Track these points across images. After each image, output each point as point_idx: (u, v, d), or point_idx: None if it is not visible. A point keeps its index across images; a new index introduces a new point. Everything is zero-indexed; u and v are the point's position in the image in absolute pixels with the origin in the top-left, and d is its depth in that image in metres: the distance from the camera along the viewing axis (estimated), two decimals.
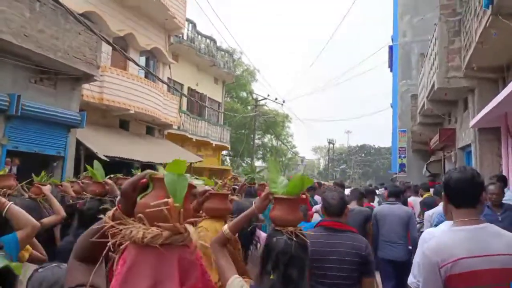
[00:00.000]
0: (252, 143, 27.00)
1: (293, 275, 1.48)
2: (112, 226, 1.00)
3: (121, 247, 0.96)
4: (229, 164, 35.77)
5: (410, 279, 2.56)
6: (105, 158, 9.86)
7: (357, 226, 4.74)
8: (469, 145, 9.03)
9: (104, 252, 1.00)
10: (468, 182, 1.81)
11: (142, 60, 14.88)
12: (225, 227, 1.78)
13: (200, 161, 15.92)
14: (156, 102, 14.00)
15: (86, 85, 10.83)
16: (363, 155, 71.91)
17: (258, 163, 46.96)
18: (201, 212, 2.30)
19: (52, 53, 8.51)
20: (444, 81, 8.20)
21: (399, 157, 19.54)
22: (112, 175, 5.66)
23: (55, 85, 9.35)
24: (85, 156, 10.12)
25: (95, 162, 2.98)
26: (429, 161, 12.81)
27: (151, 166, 13.77)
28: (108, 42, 8.51)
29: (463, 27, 7.74)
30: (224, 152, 33.78)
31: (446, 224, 2.44)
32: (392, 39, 23.94)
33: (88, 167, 3.00)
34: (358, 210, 4.98)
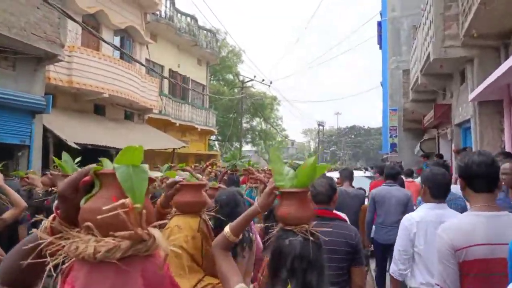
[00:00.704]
0: (240, 126, 26.21)
1: (313, 281, 1.30)
2: (51, 243, 0.82)
3: (64, 266, 0.80)
4: (217, 149, 35.07)
5: (393, 268, 2.58)
6: (75, 146, 9.05)
7: (355, 210, 4.61)
8: (467, 121, 8.44)
9: (44, 275, 0.81)
10: (489, 165, 1.77)
11: (116, 40, 13.90)
12: (227, 229, 1.53)
13: (184, 146, 15.17)
14: (133, 85, 13.11)
15: (52, 67, 9.91)
16: (353, 136, 71.78)
17: (247, 147, 46.32)
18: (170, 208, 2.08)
19: (5, 30, 7.58)
20: (441, 51, 7.53)
21: (390, 136, 19.04)
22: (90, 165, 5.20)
23: (14, 66, 8.43)
24: (54, 144, 9.29)
25: (64, 153, 2.58)
26: (422, 140, 12.27)
27: None
28: (68, 16, 7.60)
29: None
30: (213, 138, 33.05)
31: (425, 207, 2.46)
32: (380, 14, 23.12)
33: (55, 159, 2.65)
34: (355, 193, 4.82)
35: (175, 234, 2.04)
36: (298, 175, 1.36)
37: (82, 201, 0.85)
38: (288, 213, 1.34)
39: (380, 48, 23.88)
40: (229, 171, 5.51)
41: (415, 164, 17.40)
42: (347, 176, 5.09)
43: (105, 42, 10.93)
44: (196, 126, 19.08)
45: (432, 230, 2.28)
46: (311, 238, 1.31)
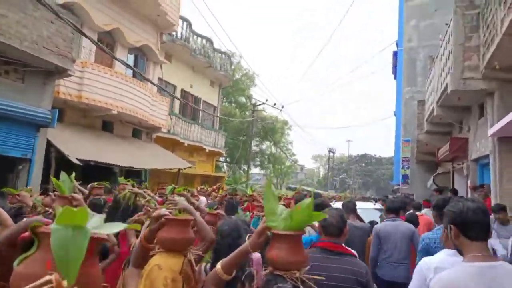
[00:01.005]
0: (249, 149, 25.97)
1: None
2: None
3: None
4: (225, 171, 34.77)
5: None
6: (77, 162, 8.85)
7: (361, 244, 4.42)
8: (485, 157, 8.01)
9: None
10: (484, 213, 1.74)
11: (130, 58, 13.96)
12: (218, 265, 1.45)
13: (190, 167, 14.92)
14: (143, 103, 13.03)
15: (62, 81, 9.89)
16: (363, 164, 70.96)
17: (255, 170, 46.02)
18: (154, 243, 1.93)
19: (17, 42, 7.55)
20: (459, 83, 7.22)
21: (402, 167, 18.52)
22: (91, 183, 4.98)
23: (23, 79, 8.38)
24: (56, 159, 9.12)
25: (62, 173, 2.63)
26: (436, 173, 11.81)
27: (134, 171, 12.78)
28: (80, 32, 7.57)
29: (482, 21, 6.77)
30: (221, 159, 32.86)
31: (445, 252, 2.27)
32: (397, 44, 23.04)
33: (54, 179, 2.62)
34: (361, 226, 4.62)
35: (154, 275, 1.85)
36: (293, 217, 1.28)
37: (16, 261, 0.77)
38: (279, 256, 1.26)
39: (395, 78, 23.69)
40: (228, 195, 5.32)
41: (429, 197, 16.85)
42: (351, 208, 4.79)
43: (116, 60, 10.95)
44: (204, 147, 18.89)
45: None
46: (301, 287, 1.24)
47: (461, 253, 1.76)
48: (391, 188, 42.72)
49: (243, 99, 31.30)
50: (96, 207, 4.30)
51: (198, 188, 12.44)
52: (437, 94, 9.24)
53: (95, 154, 10.03)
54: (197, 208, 3.44)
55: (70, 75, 9.02)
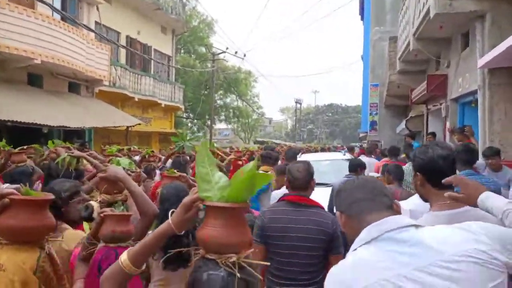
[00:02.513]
0: (211, 102, 24.35)
1: None
2: None
3: None
4: (188, 127, 33.12)
5: None
6: None
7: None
8: (467, 94, 7.04)
9: None
10: (450, 159, 1.70)
11: None
12: (124, 256, 1.10)
13: (139, 124, 13.31)
14: (76, 51, 11.06)
15: None
16: (330, 114, 71.08)
17: (220, 125, 44.60)
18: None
19: None
20: (445, 5, 5.97)
21: (370, 114, 17.75)
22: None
23: None
24: None
25: None
26: (409, 117, 10.93)
27: (74, 132, 11.09)
28: None
29: None
30: (185, 115, 31.04)
31: (418, 197, 1.96)
32: None
33: None
34: None
35: None
36: (232, 185, 1.01)
37: None
38: (212, 236, 0.99)
39: (362, 18, 22.29)
40: (176, 153, 5.04)
41: (396, 143, 16.28)
42: (292, 157, 4.90)
43: None
44: (159, 101, 17.14)
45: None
46: (238, 274, 0.96)
47: (426, 201, 1.76)
48: (358, 136, 42.83)
49: (203, 50, 29.03)
50: (24, 176, 3.71)
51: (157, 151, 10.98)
52: (414, 25, 8.02)
53: (13, 113, 8.26)
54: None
55: None
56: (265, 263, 1.18)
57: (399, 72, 10.75)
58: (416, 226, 1.11)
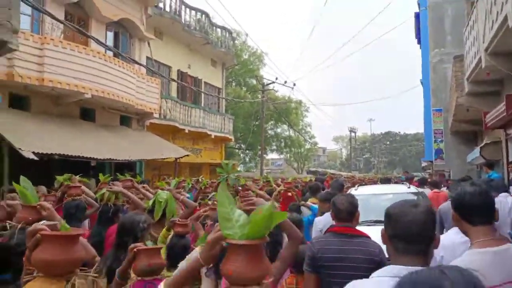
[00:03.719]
0: (261, 132, 23.99)
1: None
2: None
3: None
4: (241, 158, 32.99)
5: None
6: (32, 156, 7.13)
7: None
8: None
9: None
10: (485, 196, 1.74)
11: (109, 36, 12.13)
12: (161, 285, 1.28)
13: (187, 155, 13.10)
14: (127, 85, 11.24)
15: (15, 61, 8.17)
16: (388, 143, 67.94)
17: (272, 155, 44.08)
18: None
19: None
20: None
21: (435, 141, 16.15)
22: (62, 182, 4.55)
23: None
24: (8, 154, 7.43)
25: (22, 178, 2.27)
26: (483, 143, 9.55)
27: (126, 165, 11.08)
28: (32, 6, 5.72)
29: None
30: (236, 146, 31.02)
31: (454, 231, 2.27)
32: (418, 4, 20.33)
33: (15, 185, 2.30)
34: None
35: None
36: (252, 223, 1.09)
37: None
38: (236, 271, 1.08)
39: (419, 42, 21.03)
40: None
41: (466, 173, 14.57)
42: (338, 188, 5.17)
43: (84, 34, 9.16)
44: (209, 132, 17.03)
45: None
46: None
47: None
48: (420, 165, 40.01)
49: (253, 82, 29.16)
50: (78, 211, 3.90)
51: (197, 180, 10.65)
52: (486, 39, 6.98)
53: (63, 147, 8.31)
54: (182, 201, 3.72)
55: (12, 50, 7.22)
56: None
57: (468, 94, 9.50)
58: None
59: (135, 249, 1.84)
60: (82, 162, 9.10)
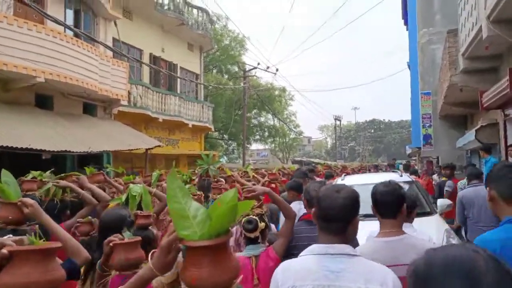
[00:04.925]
0: (243, 121, 23.01)
1: None
2: None
3: None
4: (223, 149, 31.97)
5: None
6: None
7: None
8: None
9: None
10: (390, 194, 2.07)
11: (69, 14, 10.87)
12: None
13: (159, 146, 12.04)
14: (88, 69, 10.07)
15: None
16: (372, 131, 67.87)
17: (255, 146, 43.20)
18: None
19: None
20: None
21: (423, 126, 15.44)
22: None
23: None
24: None
25: (4, 172, 2.11)
26: (479, 126, 8.80)
27: (91, 157, 9.98)
28: None
29: None
30: (219, 136, 29.96)
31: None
32: None
33: None
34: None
35: None
36: (213, 219, 0.93)
37: None
38: (199, 278, 0.92)
39: (406, 23, 20.25)
40: (201, 177, 5.14)
41: (456, 160, 13.95)
42: (301, 176, 5.32)
43: (35, 9, 7.98)
44: (186, 122, 15.94)
45: None
46: None
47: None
48: (405, 152, 39.69)
49: (235, 68, 28.01)
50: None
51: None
52: (488, 5, 6.12)
53: (7, 138, 7.19)
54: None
55: None
56: None
57: (463, 72, 8.69)
58: None
59: (110, 243, 1.77)
60: (33, 155, 8.00)
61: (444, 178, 8.51)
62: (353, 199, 1.62)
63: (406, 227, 2.57)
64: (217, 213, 0.92)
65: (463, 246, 0.83)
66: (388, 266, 1.74)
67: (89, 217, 3.14)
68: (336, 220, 1.57)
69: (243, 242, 2.55)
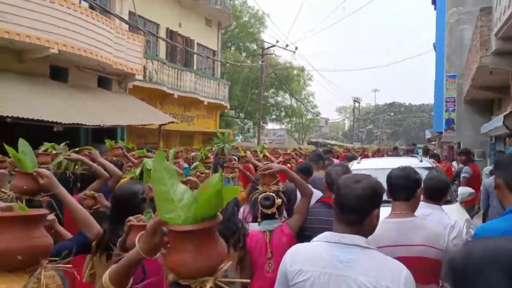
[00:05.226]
0: (259, 100, 22.66)
1: None
2: None
3: None
4: (239, 127, 31.79)
5: None
6: None
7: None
8: None
9: None
10: (405, 178, 2.12)
11: None
12: (105, 278, 1.13)
13: (173, 122, 11.90)
14: (104, 42, 9.90)
15: None
16: (392, 114, 66.40)
17: (271, 126, 42.88)
18: None
19: None
20: None
21: (446, 110, 14.84)
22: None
23: None
24: None
25: (21, 141, 2.10)
26: (508, 111, 8.29)
27: (105, 131, 9.93)
28: None
29: None
30: (235, 114, 29.71)
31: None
32: None
33: (9, 148, 2.11)
34: (320, 177, 4.02)
35: None
36: (198, 203, 0.91)
37: None
38: (182, 263, 0.90)
39: (434, 2, 19.28)
40: (215, 155, 5.20)
41: (479, 146, 13.40)
42: (315, 159, 5.15)
43: None
44: (202, 99, 15.75)
45: None
46: None
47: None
48: (424, 136, 38.69)
49: (254, 46, 27.43)
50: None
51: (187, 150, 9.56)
52: None
53: (19, 109, 7.14)
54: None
55: None
56: (246, 280, 1.67)
57: (495, 53, 8.14)
58: None
59: (128, 223, 1.75)
60: (47, 127, 7.97)
61: (461, 165, 8.16)
62: (373, 191, 1.55)
63: (435, 209, 2.68)
64: (203, 197, 0.89)
65: (502, 238, 0.84)
66: (399, 246, 1.95)
67: (92, 191, 3.13)
68: (352, 211, 1.53)
69: (251, 221, 2.66)
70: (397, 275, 1.43)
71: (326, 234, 1.58)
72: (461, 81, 13.95)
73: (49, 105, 8.25)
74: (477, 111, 13.88)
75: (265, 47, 22.22)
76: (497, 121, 9.32)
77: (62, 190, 2.02)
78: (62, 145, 4.25)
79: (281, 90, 29.41)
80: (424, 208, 2.57)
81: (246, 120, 31.97)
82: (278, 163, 6.08)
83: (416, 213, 2.26)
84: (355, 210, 1.53)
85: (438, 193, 2.79)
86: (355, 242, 1.50)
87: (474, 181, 7.18)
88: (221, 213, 2.45)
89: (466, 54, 12.63)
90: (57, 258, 1.28)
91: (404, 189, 2.10)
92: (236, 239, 2.27)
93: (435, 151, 19.94)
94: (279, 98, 31.16)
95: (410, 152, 16.70)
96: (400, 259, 1.61)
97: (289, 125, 36.43)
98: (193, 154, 7.57)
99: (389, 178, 2.16)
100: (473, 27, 10.66)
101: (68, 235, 2.16)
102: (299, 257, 1.56)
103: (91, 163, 3.35)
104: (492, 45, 8.19)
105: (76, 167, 3.80)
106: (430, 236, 2.01)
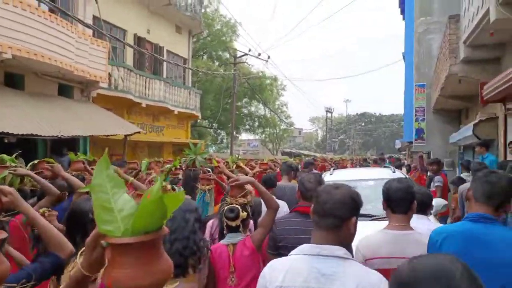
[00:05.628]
0: (232, 109, 22.35)
1: None
2: None
3: None
4: (212, 138, 31.30)
5: None
6: None
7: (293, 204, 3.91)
8: None
9: None
10: (405, 191, 2.17)
11: None
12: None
13: (139, 132, 11.35)
14: (64, 47, 9.31)
15: None
16: (363, 124, 67.71)
17: (245, 136, 42.60)
18: None
19: None
20: None
21: (416, 120, 15.00)
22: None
23: None
24: None
25: None
26: (477, 120, 8.31)
27: (65, 142, 9.28)
28: None
29: None
30: (207, 124, 29.24)
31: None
32: None
33: None
34: (291, 187, 4.61)
35: None
36: (137, 213, 0.82)
37: None
38: (117, 280, 0.82)
39: (402, 12, 19.70)
40: (188, 167, 4.93)
41: (448, 155, 13.58)
42: (286, 171, 5.24)
43: None
44: (172, 108, 15.24)
45: None
46: None
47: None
48: (394, 146, 39.46)
49: (226, 55, 27.18)
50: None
51: (160, 161, 9.01)
52: None
53: None
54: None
55: None
56: None
57: (464, 61, 8.18)
58: None
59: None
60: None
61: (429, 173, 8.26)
62: (352, 197, 1.59)
63: (422, 218, 2.76)
64: (143, 206, 0.81)
65: (444, 256, 0.91)
66: (395, 258, 1.97)
67: (45, 208, 2.87)
68: (330, 215, 1.54)
69: (218, 236, 2.63)
70: (378, 285, 1.45)
71: (304, 247, 1.55)
72: (429, 90, 14.16)
73: (0, 114, 7.60)
74: (446, 120, 14.09)
75: (238, 55, 21.97)
76: (466, 131, 9.37)
77: (27, 207, 1.86)
78: (13, 156, 3.80)
79: (254, 99, 29.24)
80: (418, 220, 2.61)
81: (219, 131, 31.54)
82: (255, 173, 5.88)
83: (417, 225, 2.32)
84: (334, 214, 1.54)
85: (425, 205, 2.81)
86: (336, 254, 1.49)
87: (444, 191, 7.23)
88: (181, 230, 1.93)
89: (435, 63, 12.83)
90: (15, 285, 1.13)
91: (403, 201, 2.15)
92: (197, 260, 2.07)
93: (404, 161, 20.20)
94: (253, 108, 30.96)
95: (382, 161, 16.82)
96: (394, 270, 1.51)
97: (263, 135, 36.27)
98: (168, 166, 7.18)
99: (387, 190, 2.19)
100: (442, 37, 10.79)
101: (24, 260, 1.99)
102: (277, 273, 1.52)
103: (38, 178, 3.06)
104: (460, 53, 8.23)
105: (23, 183, 3.41)
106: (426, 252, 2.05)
